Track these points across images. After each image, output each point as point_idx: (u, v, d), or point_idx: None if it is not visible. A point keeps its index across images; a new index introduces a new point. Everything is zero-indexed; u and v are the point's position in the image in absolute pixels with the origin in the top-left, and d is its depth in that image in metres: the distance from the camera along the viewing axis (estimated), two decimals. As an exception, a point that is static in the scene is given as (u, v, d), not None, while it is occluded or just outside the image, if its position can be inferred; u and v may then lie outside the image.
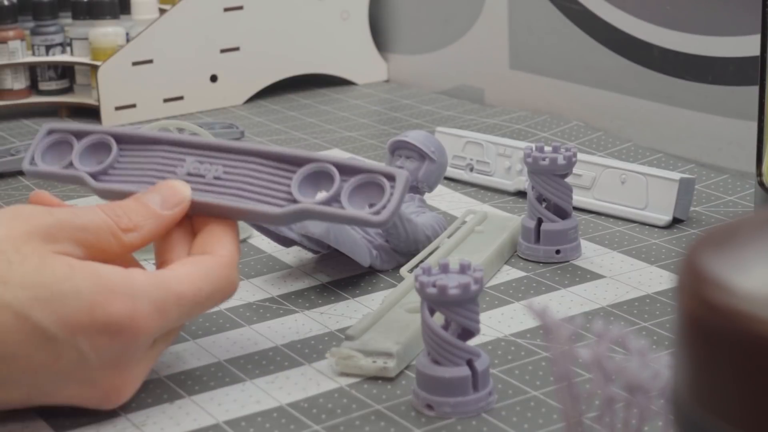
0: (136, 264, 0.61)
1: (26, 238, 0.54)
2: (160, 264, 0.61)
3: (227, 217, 0.61)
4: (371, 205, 0.59)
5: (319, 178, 0.61)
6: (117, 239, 0.58)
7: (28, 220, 0.55)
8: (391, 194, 0.59)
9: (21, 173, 0.98)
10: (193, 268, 0.58)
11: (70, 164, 0.65)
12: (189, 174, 0.63)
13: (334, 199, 0.60)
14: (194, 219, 0.61)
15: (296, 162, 0.61)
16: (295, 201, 0.60)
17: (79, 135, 0.66)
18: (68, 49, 1.20)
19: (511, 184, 0.89)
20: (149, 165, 0.64)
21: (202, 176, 0.62)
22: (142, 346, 0.56)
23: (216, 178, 0.62)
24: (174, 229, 0.61)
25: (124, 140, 0.65)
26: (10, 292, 0.53)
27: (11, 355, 0.53)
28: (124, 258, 0.59)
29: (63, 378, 0.55)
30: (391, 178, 0.60)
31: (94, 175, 0.64)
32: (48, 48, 1.20)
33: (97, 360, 0.54)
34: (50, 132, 0.66)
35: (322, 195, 0.60)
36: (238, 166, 0.62)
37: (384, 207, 0.59)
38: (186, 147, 0.64)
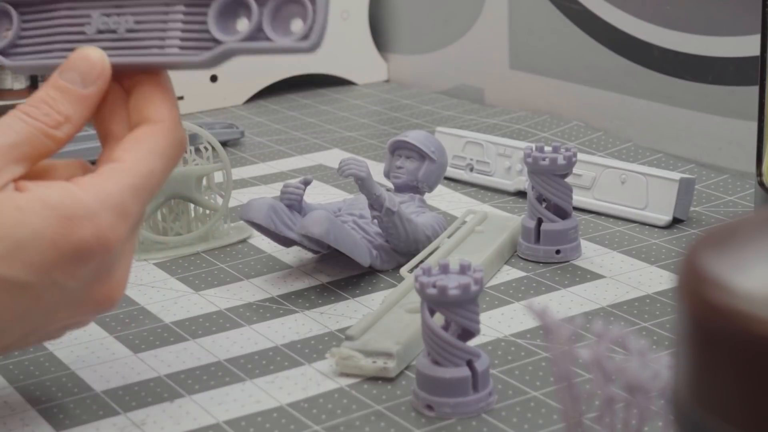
0: (79, 165, 0.58)
1: None
2: (103, 138, 0.58)
3: (154, 71, 0.58)
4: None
5: (236, 7, 0.57)
6: (51, 139, 0.55)
7: None
8: (314, 12, 0.55)
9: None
10: (139, 150, 0.55)
11: None
12: (99, 32, 0.58)
13: (258, 30, 0.56)
14: (123, 79, 0.58)
15: None
16: (216, 41, 0.56)
17: None
18: (68, 48, 1.20)
19: (511, 184, 0.89)
20: (56, 29, 0.60)
21: (114, 31, 0.58)
22: (117, 253, 0.54)
23: (129, 30, 0.58)
24: (105, 101, 0.57)
25: (22, 5, 0.60)
26: None
27: None
28: (64, 165, 0.57)
29: (51, 312, 0.54)
30: None
31: (4, 52, 0.60)
32: (48, 48, 1.20)
33: (78, 285, 0.53)
34: None
35: (243, 28, 0.56)
36: (147, 12, 0.58)
37: (310, 29, 0.55)
38: (89, 3, 0.59)
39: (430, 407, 0.57)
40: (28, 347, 0.57)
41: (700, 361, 0.31)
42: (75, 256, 0.52)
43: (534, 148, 0.74)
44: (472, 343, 0.57)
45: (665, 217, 0.80)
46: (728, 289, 0.30)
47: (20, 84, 1.20)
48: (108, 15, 0.59)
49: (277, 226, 0.73)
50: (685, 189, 0.81)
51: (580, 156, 0.83)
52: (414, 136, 0.78)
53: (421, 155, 0.77)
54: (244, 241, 0.81)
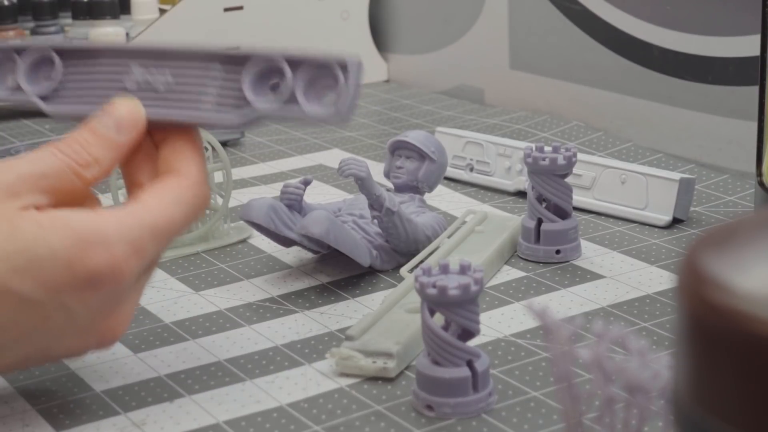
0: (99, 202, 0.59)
1: None
2: (129, 186, 0.59)
3: (187, 127, 0.59)
4: (326, 100, 0.57)
5: (271, 71, 0.58)
6: (79, 177, 0.56)
7: None
8: (346, 85, 0.56)
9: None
10: (164, 197, 0.56)
11: (18, 87, 0.62)
12: (138, 86, 0.60)
13: (291, 97, 0.57)
14: (154, 132, 0.59)
15: (243, 60, 0.58)
16: (249, 103, 0.58)
17: (20, 51, 0.62)
18: (68, 49, 1.20)
19: (511, 184, 0.89)
20: (96, 80, 0.62)
21: (152, 86, 0.60)
22: (126, 288, 0.55)
23: (166, 86, 0.60)
24: (136, 152, 0.59)
25: (66, 54, 0.62)
26: None
27: (0, 327, 0.53)
28: (90, 196, 0.59)
29: (56, 335, 0.55)
30: (343, 66, 0.57)
31: (45, 98, 0.62)
32: (48, 48, 1.19)
33: (85, 312, 0.54)
34: None
35: (277, 94, 0.57)
36: (186, 69, 0.60)
37: (341, 101, 0.56)
38: (129, 55, 0.61)
39: (430, 407, 0.57)
40: (26, 369, 0.58)
41: (700, 361, 0.31)
42: (87, 281, 0.53)
43: (534, 148, 0.74)
44: (472, 343, 0.57)
45: (665, 217, 0.80)
46: (728, 289, 0.30)
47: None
48: (147, 69, 0.60)
49: (277, 226, 0.73)
50: (685, 189, 0.81)
51: (580, 156, 0.83)
52: (414, 136, 0.78)
53: (421, 155, 0.77)
54: (244, 241, 0.81)
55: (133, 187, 0.59)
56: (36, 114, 1.20)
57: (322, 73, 0.57)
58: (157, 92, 0.60)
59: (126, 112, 0.59)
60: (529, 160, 0.74)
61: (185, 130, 0.59)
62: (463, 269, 0.57)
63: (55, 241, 0.53)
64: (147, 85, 0.60)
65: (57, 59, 0.62)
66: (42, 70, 0.63)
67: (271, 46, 0.59)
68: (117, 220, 0.55)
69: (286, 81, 0.57)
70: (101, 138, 0.58)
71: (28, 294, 0.52)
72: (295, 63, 0.57)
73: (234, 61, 0.59)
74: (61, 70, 0.62)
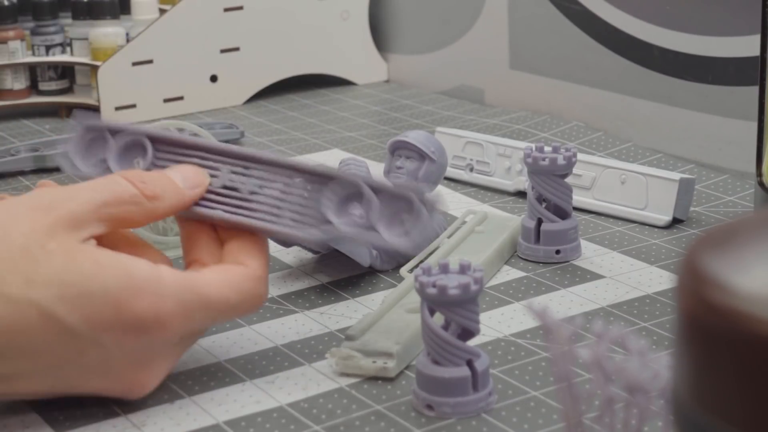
0: (166, 260, 0.60)
1: (51, 231, 0.54)
2: (188, 264, 0.60)
3: (261, 234, 0.61)
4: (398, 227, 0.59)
5: (352, 196, 0.60)
6: (141, 207, 0.58)
7: (49, 210, 0.55)
8: (418, 215, 0.59)
9: (21, 173, 0.98)
10: (223, 276, 0.58)
11: (104, 162, 0.63)
12: (225, 187, 0.62)
13: (369, 223, 0.59)
14: (221, 230, 0.61)
15: (328, 178, 0.61)
16: (327, 221, 0.60)
17: (114, 132, 0.64)
18: (68, 49, 1.20)
19: (511, 184, 0.89)
20: None
21: (237, 190, 0.61)
22: (166, 344, 0.56)
23: (251, 193, 0.61)
24: (201, 231, 0.60)
25: (158, 142, 0.63)
26: (36, 291, 0.53)
27: (36, 351, 0.53)
28: (153, 252, 0.60)
29: (87, 371, 0.55)
30: (422, 199, 0.59)
31: None
32: (48, 48, 1.20)
33: (121, 356, 0.55)
34: (88, 129, 0.64)
35: (359, 220, 0.60)
36: (271, 180, 0.61)
37: (413, 229, 0.59)
38: (221, 156, 0.62)
39: (430, 407, 0.57)
40: (50, 396, 0.58)
41: (700, 361, 0.31)
42: (130, 326, 0.54)
43: (534, 148, 0.74)
44: (472, 343, 0.57)
45: (665, 217, 0.80)
46: (728, 289, 0.30)
47: (20, 84, 1.20)
48: (235, 173, 0.62)
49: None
50: (685, 189, 0.81)
51: (580, 156, 0.83)
52: (414, 136, 0.78)
53: (421, 155, 0.77)
54: (244, 241, 0.80)
55: (190, 264, 0.60)
56: (35, 114, 1.20)
57: (400, 203, 0.59)
58: (241, 197, 0.61)
59: (192, 171, 0.61)
60: (529, 160, 0.74)
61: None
62: (463, 269, 0.57)
63: (110, 280, 0.54)
64: (232, 187, 0.61)
65: (150, 147, 0.63)
66: (132, 153, 0.63)
67: (353, 173, 0.61)
68: (174, 278, 0.56)
69: (372, 211, 0.59)
70: (168, 182, 0.59)
71: (71, 325, 0.53)
72: (377, 191, 0.59)
73: (318, 180, 0.61)
74: (152, 158, 0.63)
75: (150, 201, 0.58)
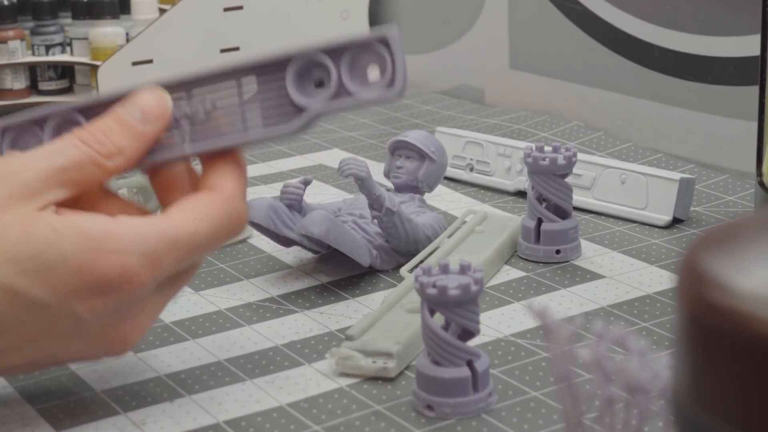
0: (127, 206, 0.58)
1: (6, 203, 0.52)
2: (164, 205, 0.58)
3: (241, 149, 0.57)
4: (375, 79, 0.54)
5: (311, 68, 0.56)
6: (101, 168, 0.55)
7: (4, 183, 0.53)
8: (392, 58, 0.54)
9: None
10: (188, 210, 0.55)
11: None
12: (177, 122, 0.57)
13: (339, 87, 0.55)
14: (201, 158, 0.58)
15: (280, 65, 0.56)
16: (299, 107, 0.55)
17: (40, 122, 0.59)
18: (68, 49, 1.20)
19: (511, 184, 0.89)
20: None
21: (196, 117, 0.57)
22: (139, 299, 0.54)
23: (207, 114, 0.57)
24: (174, 176, 0.58)
25: (89, 111, 0.58)
26: None
27: (7, 327, 0.53)
28: (112, 195, 0.57)
29: (64, 340, 0.54)
30: (383, 42, 0.54)
31: None
32: (48, 48, 1.20)
33: (93, 319, 0.53)
34: (4, 131, 0.60)
35: (326, 90, 0.55)
36: (223, 89, 0.57)
37: (393, 76, 0.54)
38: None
39: (430, 407, 0.57)
40: (34, 372, 0.57)
41: (700, 361, 0.31)
42: (96, 288, 0.53)
43: (534, 148, 0.74)
44: (472, 343, 0.57)
45: (665, 217, 0.80)
46: (728, 289, 0.30)
47: (20, 84, 1.20)
48: (184, 101, 0.57)
49: (277, 226, 0.73)
50: (685, 189, 0.81)
51: (580, 156, 0.83)
52: (414, 136, 0.78)
53: (421, 155, 0.77)
54: (244, 241, 0.80)
55: (166, 206, 0.57)
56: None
57: (365, 55, 0.55)
58: (199, 123, 0.57)
59: (152, 102, 0.56)
60: (529, 160, 0.74)
61: (230, 151, 0.57)
62: (463, 269, 0.57)
63: (67, 246, 0.52)
64: (187, 118, 0.57)
65: (83, 120, 0.58)
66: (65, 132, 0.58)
67: (301, 44, 0.56)
68: (133, 229, 0.53)
69: (330, 74, 0.55)
70: (126, 127, 0.56)
71: (36, 297, 0.52)
72: (334, 53, 0.55)
73: (269, 69, 0.56)
74: None
75: (110, 159, 0.55)
